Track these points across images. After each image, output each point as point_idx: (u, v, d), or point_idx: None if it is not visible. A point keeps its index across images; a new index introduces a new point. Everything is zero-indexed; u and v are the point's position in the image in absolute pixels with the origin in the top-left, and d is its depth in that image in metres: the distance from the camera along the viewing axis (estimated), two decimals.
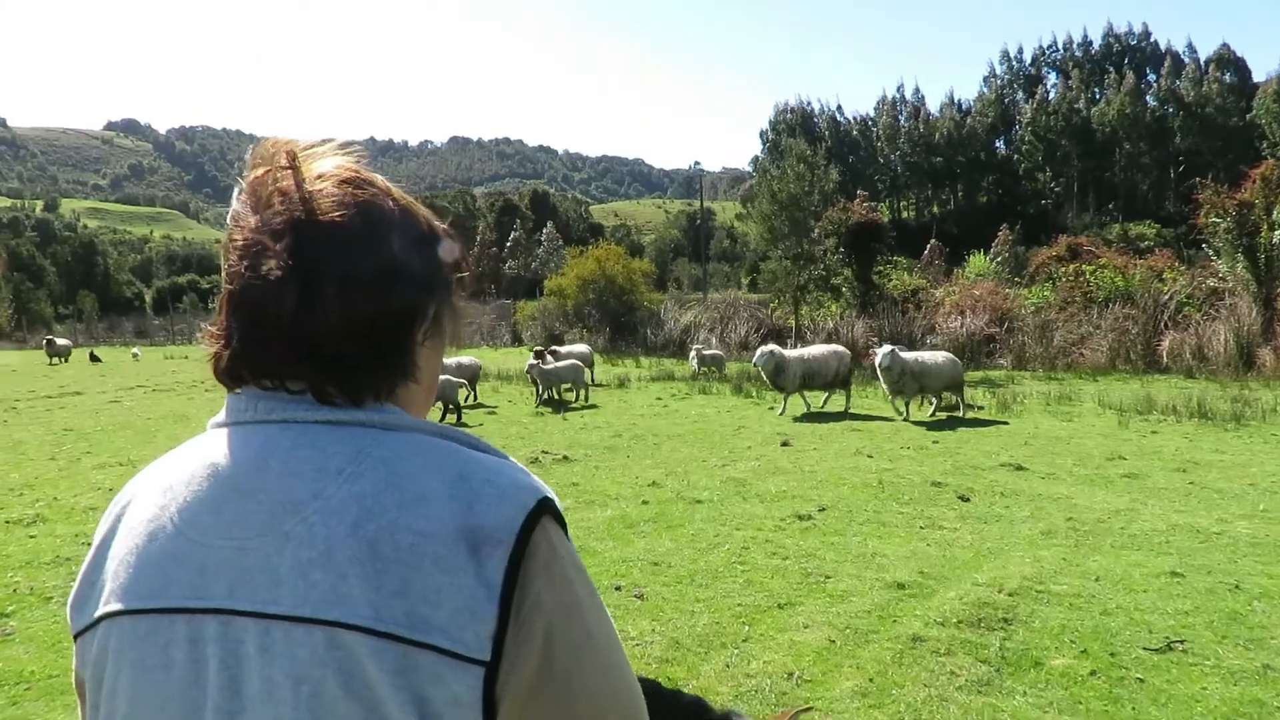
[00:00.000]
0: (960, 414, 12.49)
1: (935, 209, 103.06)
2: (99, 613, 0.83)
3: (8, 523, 7.18)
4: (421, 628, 0.73)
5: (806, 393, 13.75)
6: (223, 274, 0.85)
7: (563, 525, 0.84)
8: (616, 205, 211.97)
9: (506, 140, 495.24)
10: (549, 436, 11.16)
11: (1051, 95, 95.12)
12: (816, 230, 23.46)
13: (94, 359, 31.44)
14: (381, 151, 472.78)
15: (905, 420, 12.11)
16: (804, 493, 7.64)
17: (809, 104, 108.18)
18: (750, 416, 12.78)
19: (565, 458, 9.52)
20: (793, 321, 24.36)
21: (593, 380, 15.60)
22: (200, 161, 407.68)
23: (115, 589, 0.82)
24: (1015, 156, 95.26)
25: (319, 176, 0.86)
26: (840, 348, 13.96)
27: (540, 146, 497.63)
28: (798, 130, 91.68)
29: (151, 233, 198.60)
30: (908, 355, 12.27)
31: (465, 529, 0.77)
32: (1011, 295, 24.50)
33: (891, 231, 26.97)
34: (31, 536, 6.74)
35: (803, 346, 16.23)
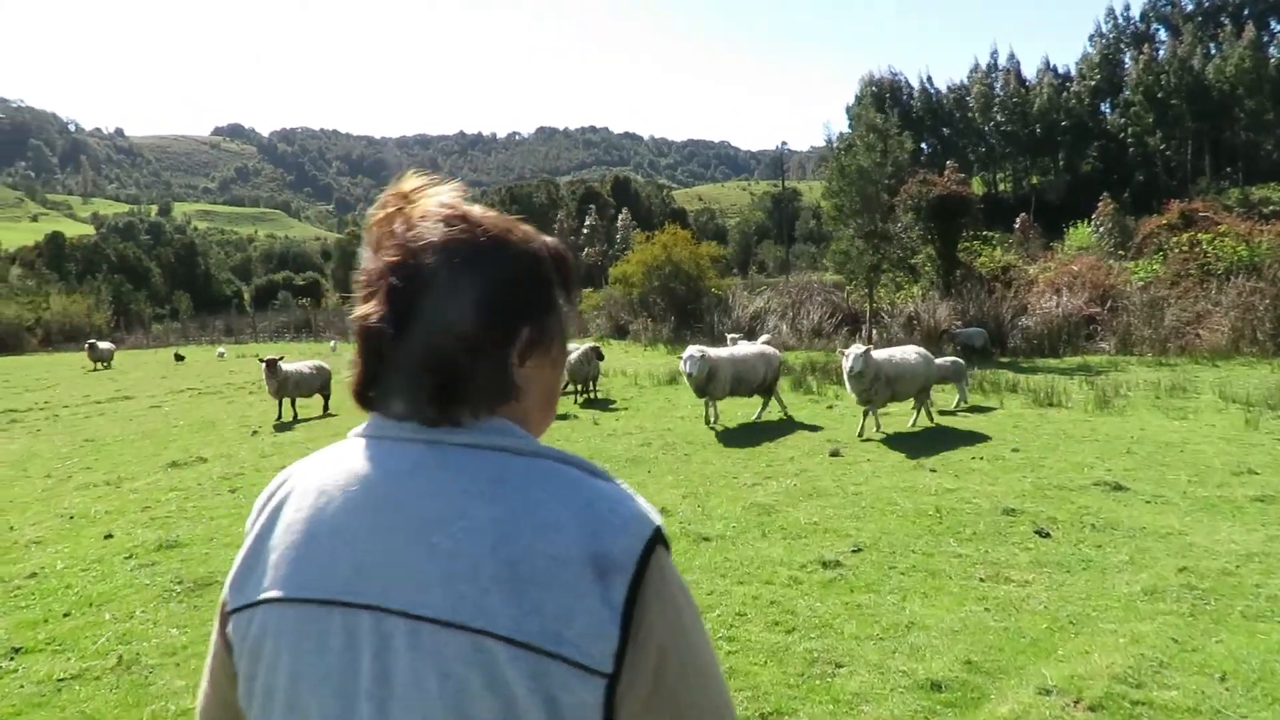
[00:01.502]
0: (913, 424, 10.48)
1: (1034, 180, 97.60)
2: (260, 596, 0.94)
3: None
4: (554, 641, 0.84)
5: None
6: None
7: (668, 549, 0.94)
8: (701, 189, 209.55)
9: (592, 128, 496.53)
10: (571, 445, 9.98)
11: (1161, 54, 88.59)
12: (897, 207, 21.57)
13: (178, 358, 31.66)
14: (470, 145, 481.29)
15: (861, 438, 9.72)
16: (839, 525, 6.23)
17: (898, 75, 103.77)
18: (802, 418, 11.32)
19: None
20: (868, 305, 22.56)
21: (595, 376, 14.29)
22: (300, 161, 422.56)
23: (276, 578, 0.94)
24: (1122, 120, 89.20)
25: (422, 217, 0.96)
26: (768, 349, 11.95)
27: (626, 133, 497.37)
28: (886, 102, 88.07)
29: (256, 232, 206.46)
30: (880, 355, 10.12)
31: (593, 555, 0.87)
32: (1115, 270, 22.11)
33: (979, 204, 24.76)
34: None
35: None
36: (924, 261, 22.89)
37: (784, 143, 69.54)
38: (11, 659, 4.56)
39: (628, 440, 10.13)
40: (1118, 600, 4.64)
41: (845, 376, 9.90)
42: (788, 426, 10.77)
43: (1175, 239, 22.67)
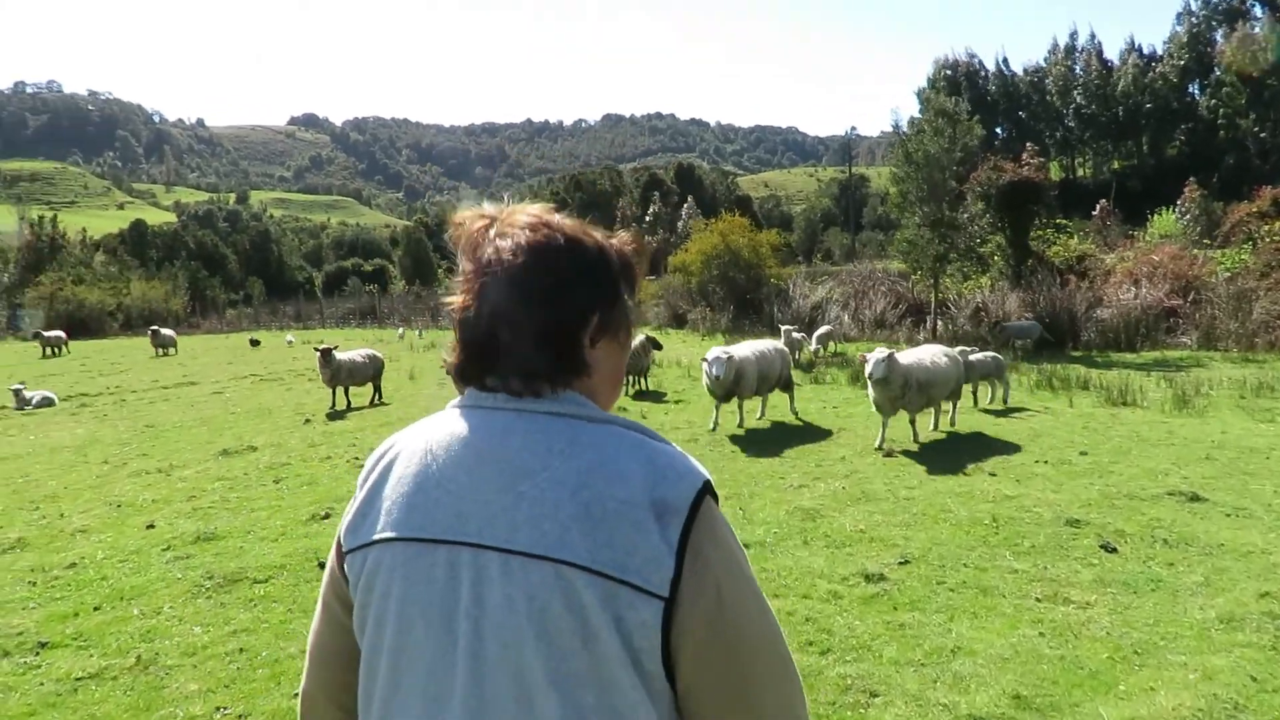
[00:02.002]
0: (951, 425, 9.91)
1: (1115, 165, 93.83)
2: (374, 537, 1.14)
3: None
4: (621, 569, 1.02)
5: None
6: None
7: (717, 500, 1.12)
8: (767, 175, 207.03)
9: (658, 115, 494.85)
10: None
11: (1257, 30, 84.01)
12: (967, 194, 20.78)
13: (254, 344, 32.15)
14: (537, 132, 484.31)
15: (883, 453, 8.52)
16: (887, 533, 5.90)
17: (974, 57, 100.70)
18: (857, 415, 10.90)
19: None
20: (933, 296, 21.84)
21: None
22: (372, 150, 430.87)
23: (388, 522, 1.14)
24: (1213, 101, 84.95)
25: (511, 224, 1.16)
26: (779, 344, 11.23)
27: (692, 120, 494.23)
28: (961, 86, 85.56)
29: (328, 219, 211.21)
30: (906, 359, 8.94)
31: (653, 501, 1.05)
32: (1199, 259, 20.96)
33: (1054, 190, 23.76)
34: None
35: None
36: (993, 251, 22.06)
37: (852, 128, 67.71)
38: (37, 654, 4.56)
39: (675, 435, 9.88)
40: (1189, 628, 4.24)
41: (869, 383, 8.73)
42: (844, 421, 10.39)
43: (1266, 227, 21.37)
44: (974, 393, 11.31)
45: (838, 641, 4.22)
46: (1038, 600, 4.67)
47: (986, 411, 10.84)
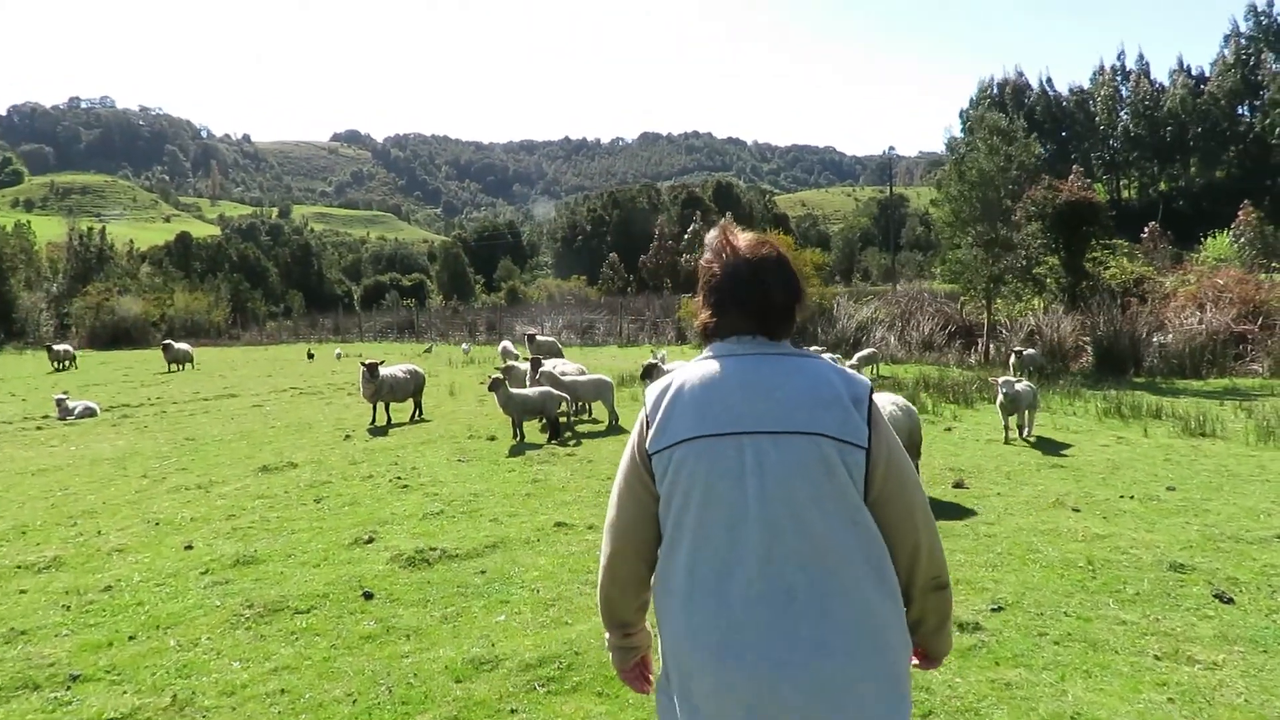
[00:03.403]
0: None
1: (1162, 186, 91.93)
2: (679, 439, 1.84)
3: (18, 568, 6.30)
4: (844, 434, 1.79)
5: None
6: (702, 284, 2.01)
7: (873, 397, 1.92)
8: (804, 194, 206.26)
9: (695, 134, 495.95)
10: None
11: None
12: (1018, 213, 20.18)
13: (310, 356, 31.45)
14: (575, 150, 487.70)
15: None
16: (972, 575, 5.43)
17: (1021, 75, 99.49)
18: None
19: None
20: (985, 318, 21.21)
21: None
22: (411, 167, 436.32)
23: (685, 426, 1.85)
24: (1267, 120, 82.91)
25: (747, 241, 1.99)
26: None
27: (729, 138, 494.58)
28: (1008, 105, 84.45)
29: (368, 234, 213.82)
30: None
31: (850, 396, 1.84)
32: (1268, 284, 20.13)
33: (1110, 212, 23.06)
34: (22, 591, 5.77)
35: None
36: (1046, 273, 21.39)
37: (891, 147, 67.09)
38: (68, 688, 4.26)
39: None
40: None
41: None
42: None
43: None
44: (1020, 425, 10.49)
45: (939, 703, 3.78)
46: (1157, 659, 4.19)
47: (1048, 440, 10.29)
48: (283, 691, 4.14)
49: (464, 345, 33.24)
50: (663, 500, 1.88)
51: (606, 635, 2.08)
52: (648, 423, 1.92)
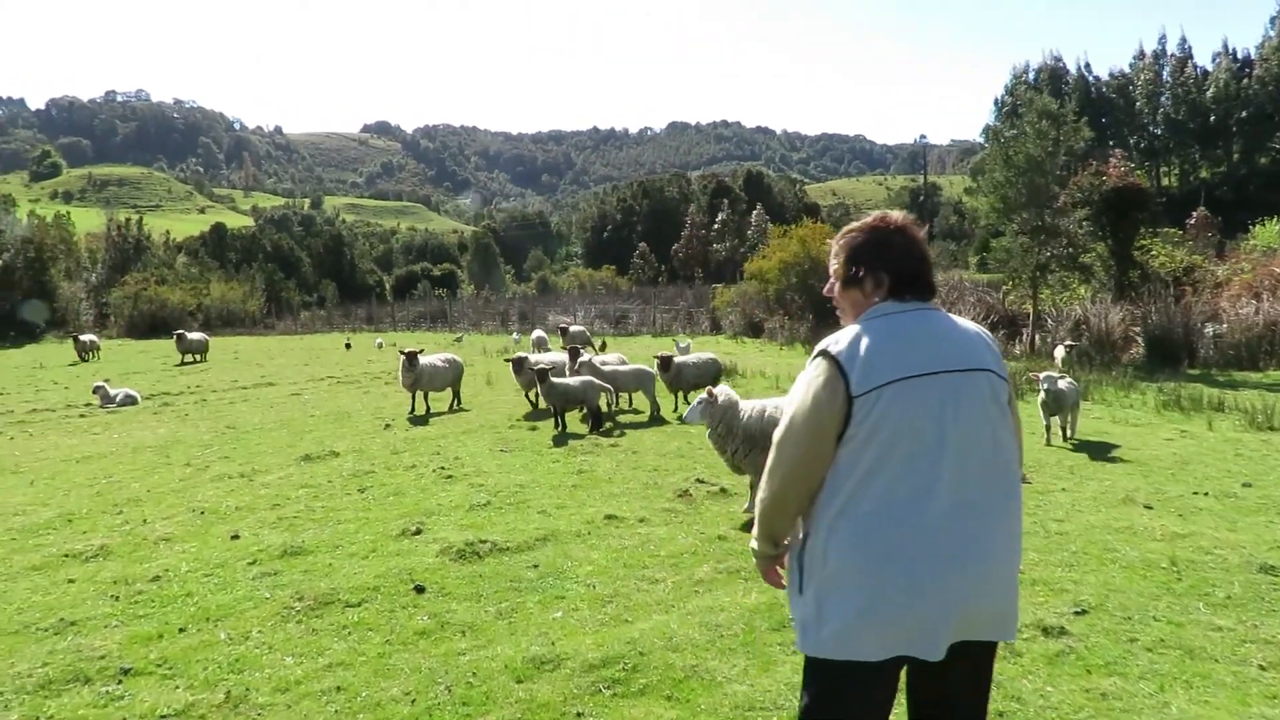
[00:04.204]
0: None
1: (1204, 173, 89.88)
2: (882, 382, 2.15)
3: (66, 556, 6.24)
4: (1001, 370, 2.32)
5: None
6: (867, 256, 2.37)
7: None
8: (834, 184, 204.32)
9: (724, 123, 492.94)
10: (712, 455, 9.12)
11: None
12: (1062, 199, 19.66)
13: (348, 346, 31.09)
14: (603, 140, 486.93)
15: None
16: (1049, 575, 5.18)
17: (1059, 60, 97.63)
18: None
19: (723, 490, 7.53)
20: (1029, 307, 20.71)
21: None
22: (441, 158, 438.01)
23: (888, 371, 2.16)
24: None
25: (906, 220, 2.43)
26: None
27: (758, 128, 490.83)
28: (1044, 91, 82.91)
29: (398, 224, 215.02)
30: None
31: (986, 340, 2.37)
32: None
33: (1159, 198, 22.43)
34: (70, 580, 5.70)
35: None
36: (1095, 260, 20.85)
37: (922, 135, 66.07)
38: (120, 682, 4.15)
39: None
40: None
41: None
42: None
43: None
44: (1063, 427, 9.54)
45: (1033, 713, 3.55)
46: (1262, 668, 3.92)
47: (1104, 433, 9.94)
48: (338, 689, 4.00)
49: (459, 335, 32.72)
50: (860, 437, 2.17)
51: (755, 548, 2.43)
52: (843, 372, 2.18)
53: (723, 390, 6.71)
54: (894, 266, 2.33)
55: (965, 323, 2.37)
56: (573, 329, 21.39)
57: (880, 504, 2.15)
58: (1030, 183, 18.58)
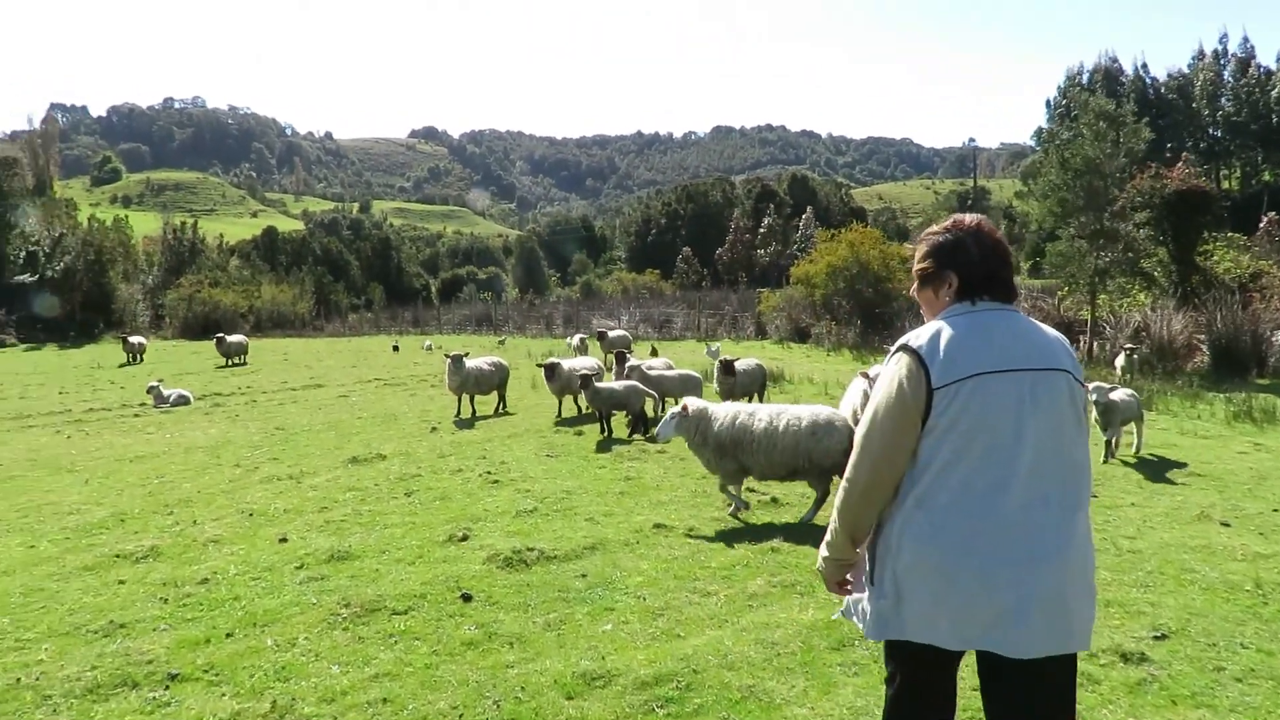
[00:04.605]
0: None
1: (1266, 176, 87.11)
2: (965, 374, 2.24)
3: (117, 556, 6.27)
4: (1079, 373, 2.40)
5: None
6: (948, 259, 2.45)
7: None
8: (881, 188, 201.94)
9: (769, 127, 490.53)
10: None
11: None
12: (1121, 202, 19.08)
13: (395, 349, 31.05)
14: (647, 145, 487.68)
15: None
16: (1123, 595, 4.92)
17: (1114, 61, 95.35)
18: None
19: (774, 500, 7.33)
20: (1086, 313, 20.14)
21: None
22: (487, 162, 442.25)
23: (967, 366, 2.25)
24: None
25: (989, 225, 2.52)
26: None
27: (803, 131, 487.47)
28: (1098, 92, 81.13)
29: (444, 228, 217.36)
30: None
31: (1064, 345, 2.41)
32: None
33: (1223, 201, 21.69)
34: (121, 581, 5.71)
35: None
36: (1155, 265, 20.20)
37: (971, 139, 64.78)
38: (167, 688, 4.11)
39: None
40: None
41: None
42: None
43: None
44: (1108, 441, 8.75)
45: None
46: None
47: (1172, 446, 9.53)
48: (385, 701, 3.91)
49: (502, 338, 32.58)
50: (940, 428, 2.26)
51: (827, 556, 2.51)
52: (924, 365, 2.29)
53: (694, 402, 6.77)
54: (964, 269, 2.42)
55: (1044, 327, 2.45)
56: (612, 334, 21.22)
57: (957, 496, 2.24)
58: (1088, 186, 18.06)
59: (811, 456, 6.46)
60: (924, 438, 2.28)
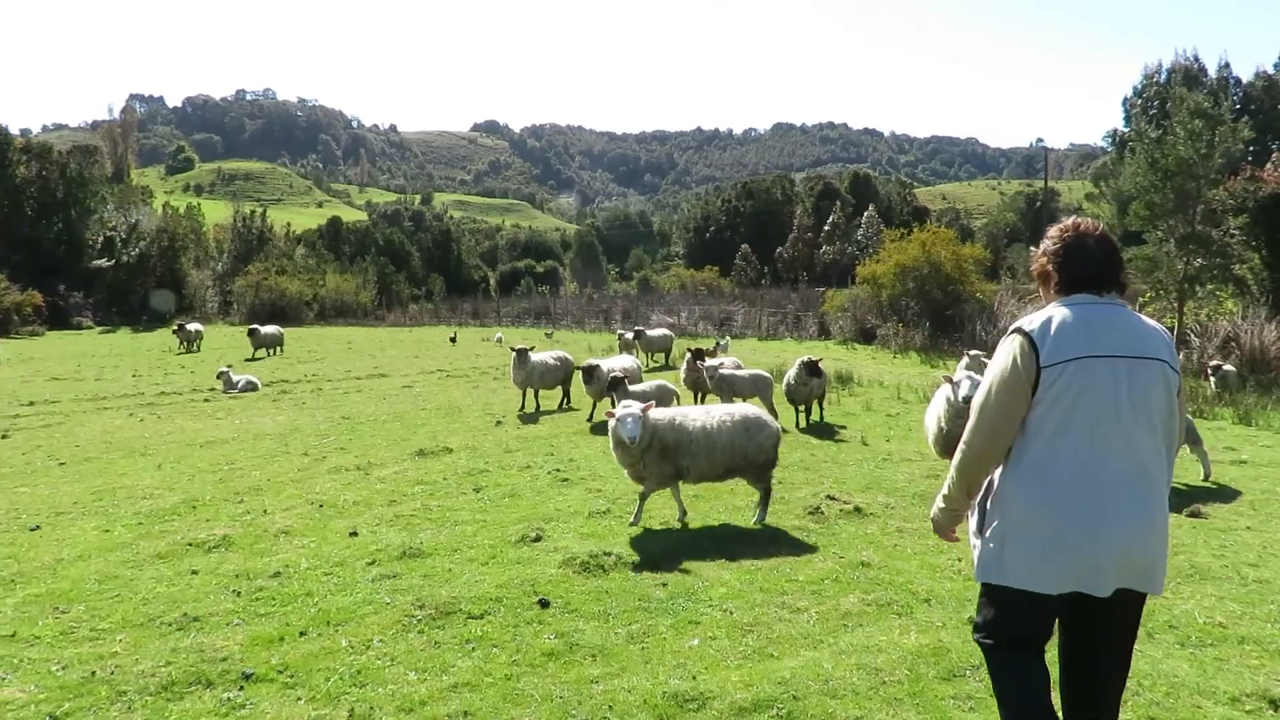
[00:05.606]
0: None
1: None
2: (1071, 356, 2.61)
3: (190, 545, 6.22)
4: (1176, 364, 2.72)
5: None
6: (1062, 257, 2.78)
7: None
8: (944, 188, 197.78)
9: (830, 124, 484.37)
10: (840, 470, 8.62)
11: None
12: (1215, 205, 18.16)
13: (453, 340, 30.77)
14: (706, 141, 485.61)
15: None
16: (1257, 631, 4.50)
17: (1196, 60, 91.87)
18: None
19: (857, 509, 6.99)
20: (1170, 320, 19.26)
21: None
22: (547, 156, 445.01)
23: (1074, 348, 2.61)
24: None
25: (1098, 225, 2.84)
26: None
27: (865, 129, 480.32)
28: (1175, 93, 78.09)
29: (503, 221, 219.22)
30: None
31: (1165, 338, 2.75)
32: None
33: None
34: (194, 571, 5.64)
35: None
36: (1248, 272, 19.23)
37: (1039, 139, 62.99)
38: (241, 688, 3.98)
39: (909, 468, 8.63)
40: None
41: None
42: None
43: None
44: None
45: None
46: None
47: (1277, 465, 8.92)
48: (465, 714, 3.71)
49: (548, 330, 32.08)
50: (1046, 402, 2.62)
51: (943, 506, 2.93)
52: (1034, 345, 2.64)
53: (636, 404, 6.49)
54: (1065, 269, 2.77)
55: (1148, 320, 2.77)
56: (649, 333, 20.29)
57: (1067, 461, 2.61)
58: (1179, 188, 17.21)
59: (747, 453, 6.52)
60: (1032, 409, 2.65)
